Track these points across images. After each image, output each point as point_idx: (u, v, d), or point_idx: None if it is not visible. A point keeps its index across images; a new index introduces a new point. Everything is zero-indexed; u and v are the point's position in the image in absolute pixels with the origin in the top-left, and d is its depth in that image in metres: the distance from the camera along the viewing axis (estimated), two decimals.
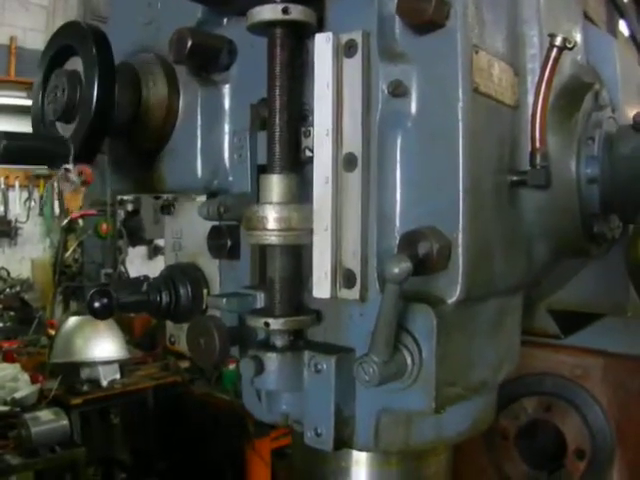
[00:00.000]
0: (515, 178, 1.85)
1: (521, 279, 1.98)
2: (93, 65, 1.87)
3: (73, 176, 1.83)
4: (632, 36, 3.88)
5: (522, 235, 1.95)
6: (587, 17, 3.24)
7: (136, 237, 13.37)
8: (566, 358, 3.30)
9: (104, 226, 12.80)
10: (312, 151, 1.79)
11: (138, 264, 13.84)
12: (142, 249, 14.09)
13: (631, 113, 2.37)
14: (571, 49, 1.82)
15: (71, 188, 1.87)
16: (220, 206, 1.87)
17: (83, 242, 12.94)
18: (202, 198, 2.16)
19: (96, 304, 2.03)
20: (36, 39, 14.36)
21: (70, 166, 1.83)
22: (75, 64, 1.96)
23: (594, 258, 2.21)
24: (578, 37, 2.26)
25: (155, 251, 13.66)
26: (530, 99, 1.91)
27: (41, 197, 13.75)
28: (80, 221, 12.87)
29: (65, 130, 1.96)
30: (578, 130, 1.97)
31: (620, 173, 1.94)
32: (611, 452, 3.25)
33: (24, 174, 12.81)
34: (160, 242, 12.07)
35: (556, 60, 1.81)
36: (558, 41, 1.80)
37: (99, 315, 2.05)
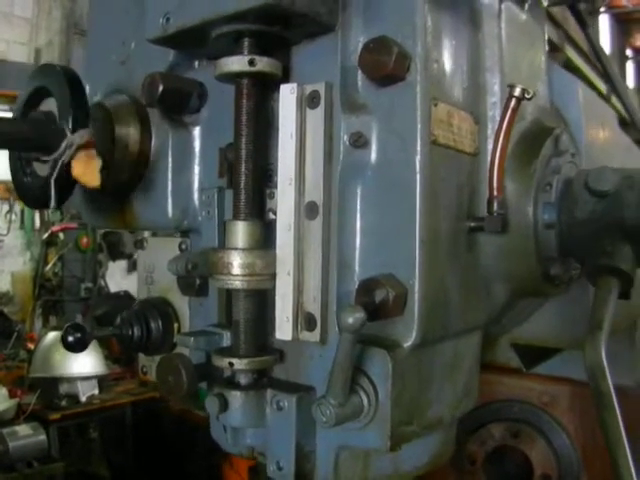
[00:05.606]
0: (473, 224, 1.90)
1: (478, 320, 2.03)
2: (67, 107, 1.91)
3: (76, 138, 1.81)
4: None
5: (480, 278, 2.00)
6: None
7: (116, 251, 13.41)
8: (534, 385, 3.35)
9: (84, 240, 12.82)
10: (275, 214, 1.85)
11: (118, 278, 13.80)
12: (122, 263, 14.07)
13: (595, 151, 2.42)
14: (530, 99, 1.87)
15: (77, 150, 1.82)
16: (188, 263, 1.91)
17: (63, 256, 12.95)
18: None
19: (70, 338, 2.08)
20: (19, 52, 14.31)
21: (69, 136, 1.81)
22: (50, 105, 2.00)
23: (552, 297, 2.26)
24: (541, 83, 2.31)
25: (135, 265, 13.61)
26: (490, 146, 1.95)
27: (22, 210, 13.65)
28: (61, 235, 12.87)
29: (42, 169, 1.99)
30: (536, 176, 2.02)
31: (577, 226, 1.99)
32: (577, 478, 3.29)
33: (5, 186, 12.67)
34: None
35: (514, 110, 1.85)
36: (517, 92, 1.84)
37: (73, 349, 2.10)
